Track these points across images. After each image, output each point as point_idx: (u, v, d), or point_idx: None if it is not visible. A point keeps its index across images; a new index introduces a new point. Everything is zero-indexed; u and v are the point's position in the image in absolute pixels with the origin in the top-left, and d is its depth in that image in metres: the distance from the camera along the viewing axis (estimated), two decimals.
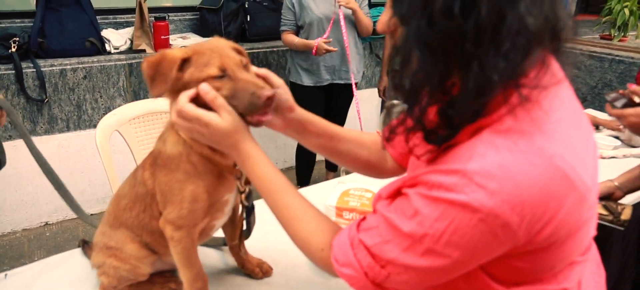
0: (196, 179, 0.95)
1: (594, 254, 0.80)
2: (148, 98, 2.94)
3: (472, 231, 0.62)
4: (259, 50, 3.39)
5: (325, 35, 2.78)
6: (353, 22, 2.87)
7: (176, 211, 0.96)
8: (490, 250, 0.64)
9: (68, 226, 2.97)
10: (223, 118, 0.85)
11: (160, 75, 0.88)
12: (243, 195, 1.03)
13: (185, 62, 0.89)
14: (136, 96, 2.98)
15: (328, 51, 2.76)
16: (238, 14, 3.38)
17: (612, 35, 4.03)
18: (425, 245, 0.65)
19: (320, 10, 2.79)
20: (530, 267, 0.68)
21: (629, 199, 1.53)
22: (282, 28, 2.92)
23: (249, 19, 3.44)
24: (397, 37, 0.74)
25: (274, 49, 3.47)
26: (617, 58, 3.61)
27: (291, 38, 2.88)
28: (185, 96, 0.87)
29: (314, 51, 2.76)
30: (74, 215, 3.00)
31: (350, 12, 2.81)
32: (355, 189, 1.43)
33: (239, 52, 0.95)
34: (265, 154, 0.89)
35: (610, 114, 1.36)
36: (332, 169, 3.47)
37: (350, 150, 1.05)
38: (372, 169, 1.08)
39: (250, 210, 1.08)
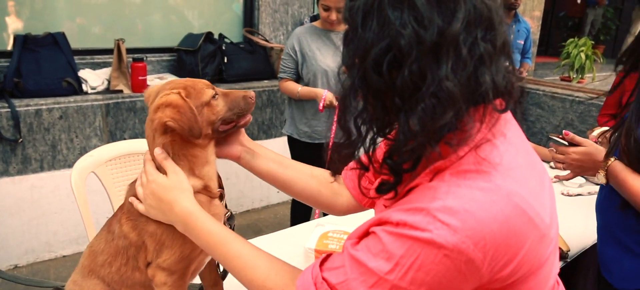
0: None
1: None
2: (125, 139, 2.96)
3: (438, 267, 0.65)
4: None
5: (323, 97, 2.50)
6: None
7: (177, 254, 0.97)
8: (455, 287, 0.67)
9: (39, 268, 2.91)
10: (169, 177, 0.92)
11: (192, 117, 0.93)
12: (226, 217, 1.06)
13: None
14: (113, 136, 2.99)
15: (334, 106, 2.49)
16: (215, 56, 3.46)
17: (571, 78, 4.27)
18: (392, 281, 0.68)
19: (326, 62, 2.57)
20: None
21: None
22: (281, 75, 2.70)
23: (226, 61, 3.52)
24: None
25: (252, 89, 3.54)
26: (577, 99, 3.81)
27: (293, 86, 2.63)
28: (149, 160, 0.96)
29: (321, 106, 2.48)
30: (46, 257, 2.96)
31: None
32: (333, 231, 1.47)
33: None
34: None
35: (554, 159, 1.43)
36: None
37: (299, 178, 1.09)
38: (322, 203, 1.12)
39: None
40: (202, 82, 0.99)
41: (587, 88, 4.17)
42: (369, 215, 1.24)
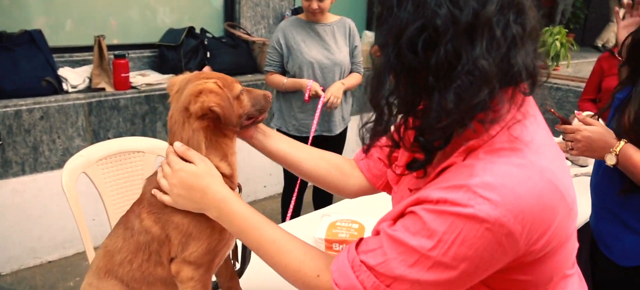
0: None
1: (577, 267, 0.89)
2: (109, 138, 2.88)
3: (480, 241, 0.67)
4: None
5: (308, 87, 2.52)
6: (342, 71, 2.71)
7: (204, 246, 0.96)
8: (495, 260, 0.69)
9: (24, 276, 2.81)
10: (197, 165, 0.92)
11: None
12: None
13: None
14: (96, 136, 2.90)
15: (319, 97, 2.54)
16: (198, 51, 3.40)
17: (547, 65, 4.38)
18: (434, 258, 0.69)
19: (312, 53, 2.59)
20: (530, 280, 0.74)
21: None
22: (267, 69, 2.70)
23: (208, 56, 3.46)
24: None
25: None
26: (554, 85, 3.92)
27: (278, 78, 2.64)
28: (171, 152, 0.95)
29: (306, 96, 2.52)
30: (31, 264, 2.85)
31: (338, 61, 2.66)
32: (341, 221, 1.48)
33: None
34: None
35: (565, 131, 1.43)
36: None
37: (309, 159, 1.11)
38: (331, 184, 1.13)
39: None
40: (230, 78, 1.00)
41: (563, 74, 4.29)
42: (378, 200, 1.26)
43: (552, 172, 0.70)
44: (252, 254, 1.17)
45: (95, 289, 1.05)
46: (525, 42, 0.72)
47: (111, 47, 3.09)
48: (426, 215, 0.70)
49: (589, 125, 1.33)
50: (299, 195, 2.67)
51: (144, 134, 3.05)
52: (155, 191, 0.97)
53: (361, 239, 0.81)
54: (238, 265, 1.21)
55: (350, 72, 2.75)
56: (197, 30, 3.54)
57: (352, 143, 2.94)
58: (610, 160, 1.27)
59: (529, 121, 0.75)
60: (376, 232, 0.80)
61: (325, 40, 2.65)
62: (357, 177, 1.13)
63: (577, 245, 0.82)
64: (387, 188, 1.08)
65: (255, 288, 1.28)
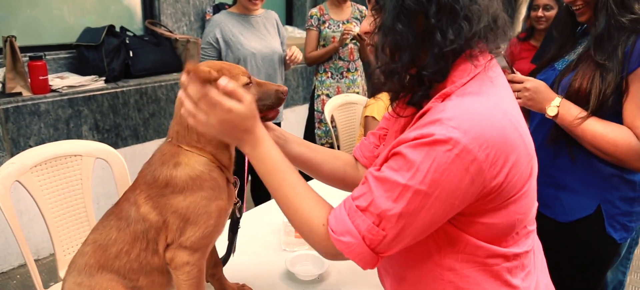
0: (219, 192, 1.00)
1: (535, 225, 1.01)
2: (30, 146, 2.67)
3: (450, 167, 0.76)
4: (147, 85, 3.31)
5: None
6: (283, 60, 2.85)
7: (201, 230, 0.98)
8: (465, 188, 0.78)
9: None
10: (245, 104, 0.91)
11: (198, 70, 0.91)
12: (236, 206, 1.09)
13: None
14: (16, 145, 2.69)
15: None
16: (120, 50, 3.26)
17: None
18: (412, 187, 0.77)
19: (252, 44, 2.66)
20: (496, 223, 0.85)
21: None
22: None
23: (131, 55, 3.33)
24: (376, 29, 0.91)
25: (162, 83, 3.41)
26: None
27: None
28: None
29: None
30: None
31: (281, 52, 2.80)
32: None
33: None
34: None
35: (513, 81, 1.48)
36: None
37: (327, 161, 1.16)
38: (348, 182, 1.18)
39: (237, 223, 1.14)
40: (239, 68, 1.02)
41: None
42: None
43: (514, 116, 0.83)
44: (235, 244, 1.21)
45: (87, 288, 1.02)
46: None
47: (23, 49, 2.86)
48: (405, 150, 0.80)
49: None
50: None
51: (68, 140, 2.87)
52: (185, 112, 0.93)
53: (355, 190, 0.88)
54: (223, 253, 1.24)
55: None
56: (117, 29, 3.38)
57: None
58: (552, 111, 1.39)
59: (495, 74, 0.88)
60: (365, 179, 0.87)
61: (259, 30, 2.71)
62: (362, 171, 1.19)
63: (536, 203, 0.94)
64: None
65: (239, 276, 1.31)
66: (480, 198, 0.82)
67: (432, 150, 0.77)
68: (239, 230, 1.17)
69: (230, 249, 1.19)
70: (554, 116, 1.41)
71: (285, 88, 1.05)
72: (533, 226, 0.97)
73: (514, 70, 1.49)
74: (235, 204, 1.09)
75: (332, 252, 0.86)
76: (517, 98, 1.45)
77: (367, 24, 0.96)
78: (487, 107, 0.80)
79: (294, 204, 0.90)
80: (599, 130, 1.34)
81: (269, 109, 1.05)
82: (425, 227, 0.82)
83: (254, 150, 0.94)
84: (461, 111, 0.79)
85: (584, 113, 1.36)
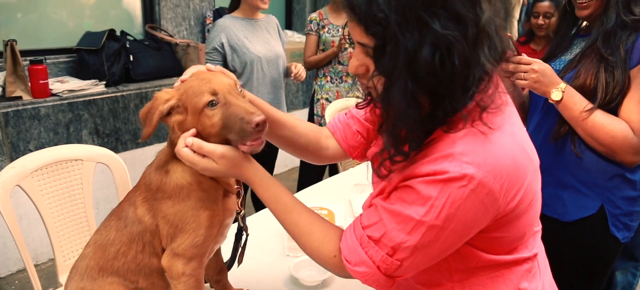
0: (211, 204, 0.98)
1: (540, 224, 1.02)
2: (30, 151, 2.66)
3: (465, 202, 0.76)
4: (147, 89, 3.30)
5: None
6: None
7: (190, 239, 0.97)
8: (478, 219, 0.79)
9: None
10: (218, 163, 0.93)
11: (148, 120, 0.93)
12: (240, 216, 1.08)
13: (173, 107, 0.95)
14: (16, 149, 2.68)
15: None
16: (120, 54, 3.26)
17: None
18: (428, 222, 0.77)
19: (257, 49, 2.64)
20: (506, 236, 0.86)
21: None
22: None
23: (132, 59, 3.33)
24: (371, 83, 0.83)
25: (163, 88, 3.39)
26: None
27: None
28: (189, 137, 0.93)
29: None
30: None
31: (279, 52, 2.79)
32: (312, 208, 1.54)
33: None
34: (268, 174, 0.98)
35: (520, 62, 1.45)
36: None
37: (290, 137, 1.16)
38: (309, 154, 1.20)
39: (241, 232, 1.13)
40: (207, 83, 0.93)
41: None
42: (344, 188, 1.31)
43: (521, 137, 0.83)
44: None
45: None
46: (503, 29, 0.82)
47: (24, 53, 2.85)
48: (418, 186, 0.79)
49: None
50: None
51: (68, 144, 2.86)
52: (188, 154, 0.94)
53: (361, 214, 0.89)
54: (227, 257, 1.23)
55: None
56: (117, 33, 3.38)
57: None
58: (556, 95, 1.39)
59: (499, 94, 0.85)
60: (369, 205, 0.88)
61: (263, 35, 2.73)
62: (331, 146, 1.20)
63: (541, 203, 0.94)
64: (361, 157, 1.17)
65: (243, 281, 1.30)
66: (493, 222, 0.82)
67: (447, 186, 0.76)
68: (244, 240, 1.16)
69: (235, 256, 1.18)
70: (558, 101, 1.40)
71: (257, 118, 0.88)
72: (539, 227, 0.97)
73: (521, 52, 1.49)
74: (238, 213, 1.08)
75: (345, 276, 0.90)
76: (523, 80, 1.46)
77: (356, 63, 0.85)
78: (497, 135, 0.79)
79: (301, 240, 0.94)
80: (600, 121, 1.36)
81: (241, 138, 0.91)
82: (440, 254, 0.83)
83: (252, 186, 0.97)
84: (472, 143, 0.77)
85: (590, 105, 1.37)
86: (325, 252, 0.91)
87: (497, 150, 0.77)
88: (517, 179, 0.79)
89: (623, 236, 1.47)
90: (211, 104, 0.91)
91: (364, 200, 0.94)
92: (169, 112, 0.94)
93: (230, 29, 2.60)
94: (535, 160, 0.86)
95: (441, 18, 0.73)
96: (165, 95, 0.94)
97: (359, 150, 1.18)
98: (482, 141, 0.78)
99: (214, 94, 0.91)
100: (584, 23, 1.59)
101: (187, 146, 0.93)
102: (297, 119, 1.18)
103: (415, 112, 0.77)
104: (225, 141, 0.94)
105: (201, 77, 0.95)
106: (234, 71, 2.66)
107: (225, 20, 2.65)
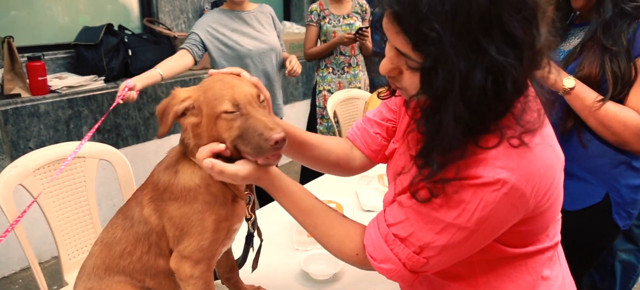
0: (218, 208, 0.96)
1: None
2: (31, 149, 2.63)
3: (498, 205, 0.75)
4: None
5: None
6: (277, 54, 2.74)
7: (196, 242, 0.95)
8: (509, 220, 0.79)
9: None
10: (243, 167, 0.91)
11: (164, 119, 0.91)
12: (250, 222, 1.06)
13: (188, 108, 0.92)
14: (16, 147, 2.65)
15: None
16: (119, 49, 3.22)
17: None
18: (458, 225, 0.77)
19: (245, 42, 2.59)
20: (532, 230, 0.85)
21: None
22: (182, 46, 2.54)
23: (130, 54, 3.29)
24: (414, 99, 0.82)
25: (162, 82, 3.36)
26: None
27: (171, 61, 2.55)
28: (206, 158, 0.90)
29: (120, 98, 2.14)
30: None
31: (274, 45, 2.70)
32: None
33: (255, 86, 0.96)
34: (287, 177, 0.96)
35: None
36: None
37: (320, 156, 1.14)
38: (340, 169, 1.18)
39: (251, 237, 1.12)
40: (229, 88, 0.90)
41: None
42: (350, 181, 1.28)
43: (548, 135, 0.82)
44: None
45: None
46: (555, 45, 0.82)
47: (21, 49, 2.81)
48: (451, 189, 0.77)
49: None
50: None
51: (69, 141, 2.83)
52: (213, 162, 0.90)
53: (384, 211, 0.88)
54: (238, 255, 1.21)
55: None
56: (115, 28, 3.34)
57: None
58: (569, 83, 1.37)
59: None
60: (392, 202, 0.87)
61: (253, 26, 2.66)
62: (357, 156, 1.17)
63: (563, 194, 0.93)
64: (386, 159, 1.13)
65: (253, 277, 1.29)
66: (520, 219, 0.81)
67: (480, 191, 0.75)
68: (257, 244, 1.14)
69: (245, 256, 1.16)
70: (571, 88, 1.38)
71: (276, 135, 0.84)
72: (559, 215, 0.96)
73: None
74: (248, 219, 1.06)
75: (367, 270, 0.91)
76: None
77: (389, 66, 0.81)
78: (528, 137, 0.77)
79: (322, 240, 0.94)
80: (612, 110, 1.36)
81: (257, 153, 0.87)
82: (468, 253, 0.83)
83: (271, 194, 0.96)
84: (505, 148, 0.75)
85: (600, 96, 1.37)
86: (347, 252, 0.91)
87: (528, 153, 0.76)
88: (547, 178, 0.79)
89: (624, 224, 1.49)
90: (230, 112, 0.88)
91: (369, 192, 0.93)
92: (184, 113, 0.92)
93: (213, 25, 2.54)
94: (561, 156, 0.85)
95: (497, 41, 0.69)
96: (183, 93, 0.92)
97: (382, 153, 1.15)
98: (515, 145, 0.76)
99: (235, 103, 0.88)
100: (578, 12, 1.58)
101: (206, 166, 0.90)
102: (323, 137, 1.16)
103: (463, 135, 0.74)
104: (235, 149, 0.91)
105: (224, 81, 0.92)
106: (221, 67, 2.61)
107: (208, 16, 2.59)
